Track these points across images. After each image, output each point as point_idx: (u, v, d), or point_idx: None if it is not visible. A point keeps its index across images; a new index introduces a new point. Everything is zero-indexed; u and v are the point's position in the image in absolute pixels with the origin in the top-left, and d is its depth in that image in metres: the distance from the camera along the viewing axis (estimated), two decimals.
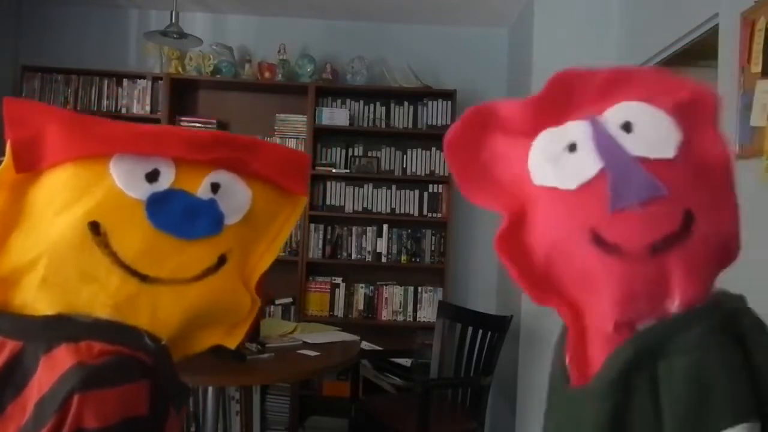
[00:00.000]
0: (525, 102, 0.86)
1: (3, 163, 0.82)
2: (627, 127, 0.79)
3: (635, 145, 0.78)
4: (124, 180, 0.81)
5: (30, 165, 0.81)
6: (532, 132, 0.84)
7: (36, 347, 0.75)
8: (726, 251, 0.81)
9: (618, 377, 0.75)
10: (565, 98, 0.84)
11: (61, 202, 0.81)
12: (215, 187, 0.86)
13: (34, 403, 0.73)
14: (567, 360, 0.83)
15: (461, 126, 0.89)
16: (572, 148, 0.80)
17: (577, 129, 0.81)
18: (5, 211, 0.81)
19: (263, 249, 0.92)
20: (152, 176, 0.82)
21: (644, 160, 0.77)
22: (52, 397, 0.71)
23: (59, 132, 0.82)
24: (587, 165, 0.78)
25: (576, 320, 0.80)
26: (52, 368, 0.73)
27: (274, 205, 0.94)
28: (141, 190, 0.81)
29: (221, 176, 0.87)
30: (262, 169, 0.91)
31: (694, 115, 0.80)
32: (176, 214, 0.82)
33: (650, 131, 0.79)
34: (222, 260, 0.85)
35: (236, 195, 0.88)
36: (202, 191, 0.85)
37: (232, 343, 0.91)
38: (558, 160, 0.80)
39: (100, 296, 0.78)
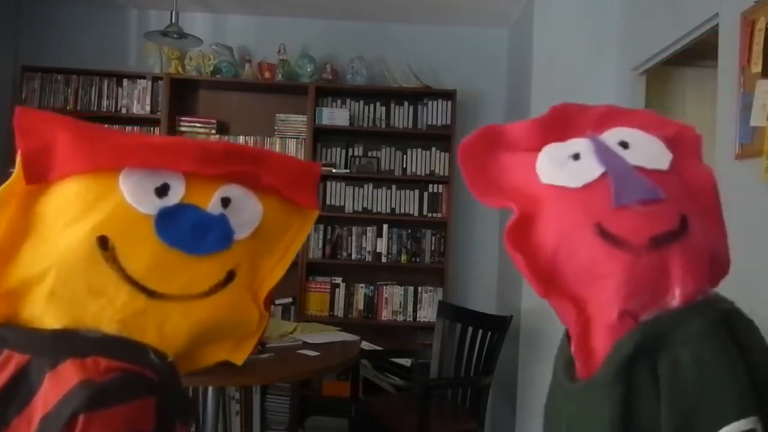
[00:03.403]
0: (529, 122, 0.94)
1: (13, 174, 0.81)
2: (624, 144, 0.88)
3: (632, 158, 0.86)
4: (134, 194, 0.80)
5: (40, 176, 0.81)
6: (536, 147, 0.91)
7: (42, 362, 0.75)
8: (717, 262, 0.85)
9: (624, 365, 0.77)
10: (566, 123, 0.93)
11: (71, 214, 0.80)
12: (226, 202, 0.85)
13: (39, 419, 0.72)
14: (572, 352, 0.84)
15: (473, 137, 0.96)
16: (576, 157, 0.87)
17: (579, 143, 0.89)
18: (15, 222, 0.81)
19: (273, 263, 0.91)
20: (162, 191, 0.82)
21: (641, 169, 0.84)
22: (57, 415, 0.71)
23: (70, 144, 0.81)
24: (591, 169, 0.85)
25: (579, 314, 0.82)
26: (58, 384, 0.73)
27: (285, 219, 0.93)
28: (150, 205, 0.80)
29: (232, 190, 0.86)
30: (273, 182, 0.90)
31: (680, 147, 0.90)
32: (185, 229, 0.81)
33: (645, 148, 0.88)
34: (231, 276, 0.84)
35: (247, 209, 0.87)
36: (213, 206, 0.84)
37: (239, 359, 0.90)
38: (564, 165, 0.87)
39: (108, 311, 0.77)
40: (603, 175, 0.84)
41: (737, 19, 2.13)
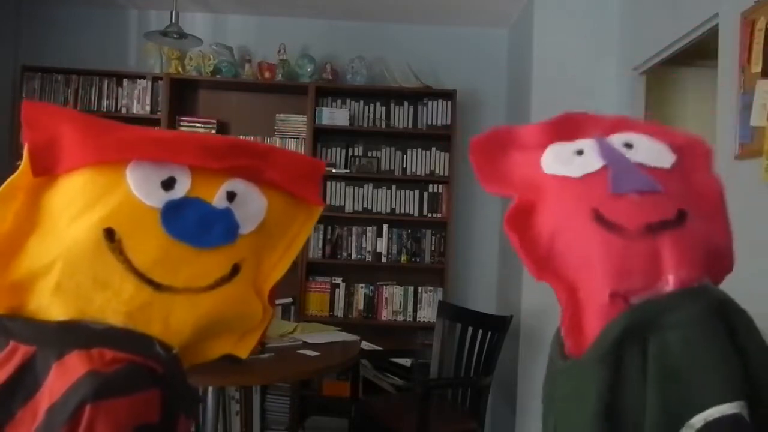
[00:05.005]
0: (540, 123, 0.98)
1: (20, 167, 0.81)
2: (629, 145, 0.91)
3: (635, 156, 0.89)
4: (140, 187, 0.81)
5: (46, 169, 0.81)
6: (544, 146, 0.95)
7: (48, 353, 0.75)
8: (718, 259, 0.86)
9: (614, 344, 0.78)
10: (575, 127, 0.97)
11: (77, 207, 0.80)
12: (231, 196, 0.86)
13: (44, 409, 0.73)
14: (562, 333, 0.85)
15: (486, 134, 1.01)
16: (580, 153, 0.91)
17: (584, 142, 0.93)
18: (21, 215, 0.81)
19: (277, 258, 0.92)
20: (168, 184, 0.82)
21: (643, 166, 0.87)
22: (63, 405, 0.71)
23: (76, 137, 0.81)
24: (592, 162, 0.89)
25: (572, 296, 0.84)
26: (64, 375, 0.73)
27: (289, 214, 0.94)
28: (157, 198, 0.81)
29: (237, 185, 0.87)
30: (277, 177, 0.91)
31: (688, 155, 0.92)
32: (191, 222, 0.81)
33: (648, 149, 0.91)
34: (236, 269, 0.84)
35: (252, 204, 0.88)
36: (218, 200, 0.85)
37: (243, 353, 0.90)
38: (567, 160, 0.91)
39: (113, 303, 0.78)
40: (603, 168, 0.87)
41: (737, 19, 2.13)
